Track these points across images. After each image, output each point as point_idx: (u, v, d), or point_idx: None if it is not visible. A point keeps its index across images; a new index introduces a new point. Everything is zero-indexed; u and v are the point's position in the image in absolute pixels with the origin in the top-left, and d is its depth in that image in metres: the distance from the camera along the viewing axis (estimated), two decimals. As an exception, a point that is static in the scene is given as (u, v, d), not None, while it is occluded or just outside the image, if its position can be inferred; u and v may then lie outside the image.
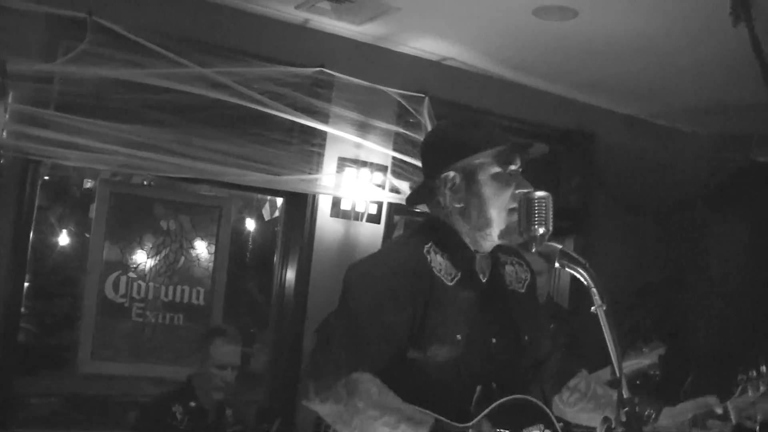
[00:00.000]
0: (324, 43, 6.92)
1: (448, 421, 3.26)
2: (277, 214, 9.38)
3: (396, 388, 3.25)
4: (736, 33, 5.40)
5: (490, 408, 3.34)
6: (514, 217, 3.40)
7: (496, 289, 3.61)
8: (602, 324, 3.15)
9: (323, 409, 3.29)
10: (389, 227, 7.37)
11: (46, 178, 6.27)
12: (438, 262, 3.46)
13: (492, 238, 3.48)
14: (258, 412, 6.45)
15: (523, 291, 3.71)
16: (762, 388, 4.14)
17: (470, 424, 3.29)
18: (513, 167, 3.47)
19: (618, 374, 3.11)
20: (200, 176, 6.43)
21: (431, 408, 3.25)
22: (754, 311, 8.30)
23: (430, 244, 3.47)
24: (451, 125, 3.78)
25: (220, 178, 6.54)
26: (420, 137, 6.95)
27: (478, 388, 3.38)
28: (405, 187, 7.17)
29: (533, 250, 3.34)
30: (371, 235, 7.21)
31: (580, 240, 7.70)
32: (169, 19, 6.26)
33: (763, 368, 4.24)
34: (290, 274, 7.07)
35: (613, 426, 3.10)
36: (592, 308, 3.16)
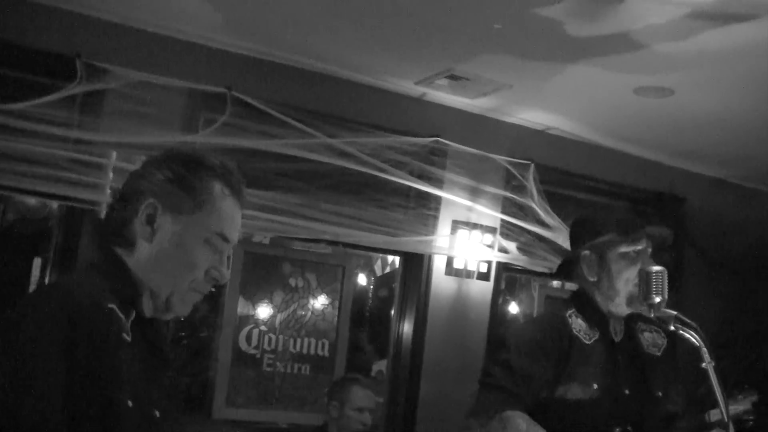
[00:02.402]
0: (439, 114, 6.78)
1: None
2: (388, 269, 9.24)
3: (545, 426, 3.43)
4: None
5: None
6: (636, 289, 3.61)
7: (629, 349, 3.80)
8: (711, 377, 3.30)
9: None
10: (497, 284, 7.15)
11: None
12: (578, 324, 3.75)
13: (621, 306, 3.69)
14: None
15: (659, 354, 3.86)
16: None
17: None
18: (639, 247, 3.70)
19: (726, 419, 3.33)
20: (328, 238, 6.31)
21: None
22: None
23: (573, 310, 3.78)
24: (590, 210, 4.19)
25: (346, 240, 6.38)
26: (526, 201, 6.89)
27: (617, 430, 3.62)
28: (512, 247, 6.97)
29: (651, 315, 3.57)
30: (481, 291, 7.00)
31: (672, 295, 7.44)
32: (299, 93, 6.15)
33: None
34: (407, 327, 6.87)
35: None
36: (703, 364, 3.32)
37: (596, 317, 3.74)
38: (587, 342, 3.70)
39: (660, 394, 3.77)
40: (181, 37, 5.77)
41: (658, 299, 3.47)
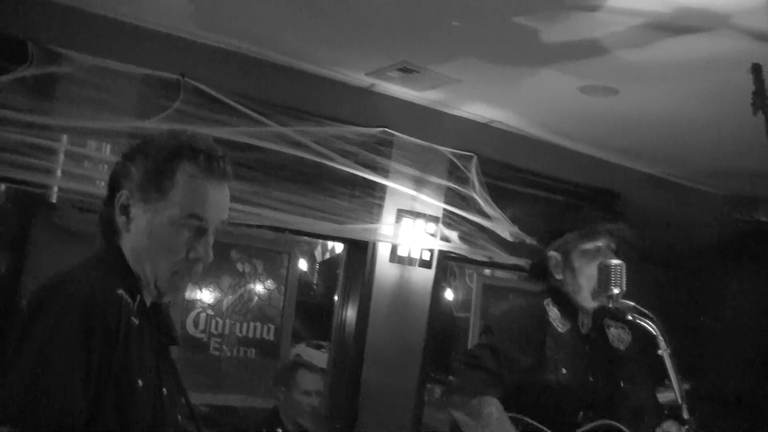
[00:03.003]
0: (387, 105, 6.75)
1: None
2: (327, 256, 9.23)
3: (520, 407, 3.70)
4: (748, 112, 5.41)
5: (585, 427, 3.75)
6: (596, 283, 3.80)
7: (597, 341, 4.01)
8: (667, 363, 3.49)
9: (460, 417, 3.65)
10: (439, 272, 7.16)
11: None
12: (554, 312, 3.94)
13: (588, 299, 3.90)
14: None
15: (623, 349, 4.05)
16: None
17: None
18: (599, 244, 3.92)
19: (680, 400, 3.53)
20: (276, 225, 6.24)
21: (544, 424, 3.71)
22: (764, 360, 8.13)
23: (549, 299, 3.98)
24: (555, 215, 4.34)
25: (294, 227, 6.37)
26: (469, 192, 6.95)
27: (581, 413, 3.77)
28: (454, 236, 7.03)
29: (610, 306, 3.72)
30: (423, 279, 7.02)
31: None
32: (251, 82, 6.08)
33: None
34: (350, 313, 6.87)
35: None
36: (659, 351, 3.49)
37: (568, 308, 3.93)
38: (561, 330, 3.89)
39: (624, 385, 3.95)
40: (136, 23, 5.66)
41: (616, 291, 3.65)
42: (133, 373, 2.28)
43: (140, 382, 2.29)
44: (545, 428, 3.72)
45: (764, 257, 8.23)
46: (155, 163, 2.46)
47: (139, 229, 2.43)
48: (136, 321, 2.34)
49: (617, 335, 4.07)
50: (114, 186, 2.51)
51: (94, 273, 2.37)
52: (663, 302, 7.70)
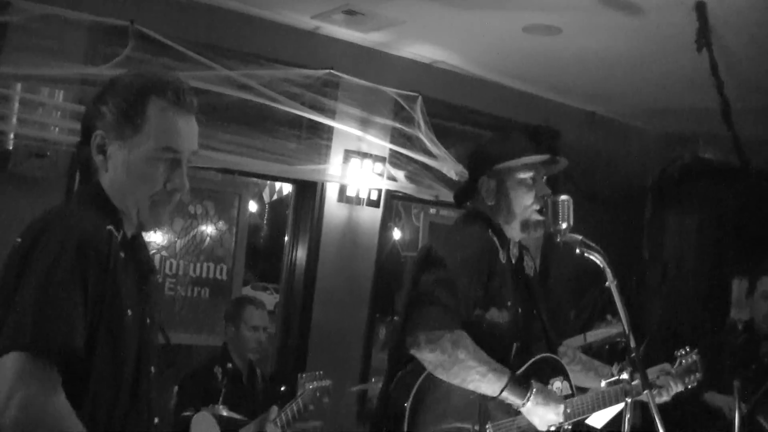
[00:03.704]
0: (332, 47, 6.92)
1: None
2: (275, 197, 9.41)
3: None
4: (691, 49, 5.62)
5: (530, 361, 3.87)
6: (535, 215, 3.86)
7: (521, 271, 4.08)
8: (614, 295, 3.53)
9: (429, 357, 3.56)
10: (386, 212, 7.41)
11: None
12: (496, 244, 3.89)
13: (516, 230, 3.94)
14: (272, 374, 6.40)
15: (533, 276, 4.17)
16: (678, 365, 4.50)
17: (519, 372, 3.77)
18: (535, 173, 3.92)
19: (627, 329, 3.49)
20: (225, 166, 6.42)
21: None
22: (698, 294, 8.46)
23: (490, 231, 3.90)
24: (489, 138, 4.31)
25: (242, 168, 6.57)
26: (414, 132, 7.11)
27: (515, 345, 3.87)
28: (401, 175, 7.26)
29: (558, 240, 3.76)
30: (371, 218, 7.29)
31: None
32: (198, 27, 6.22)
33: (693, 354, 4.56)
34: (300, 253, 7.09)
35: (622, 368, 3.60)
36: (606, 283, 3.55)
37: (503, 239, 3.94)
38: (503, 261, 3.91)
39: (540, 314, 4.09)
40: (81, -31, 5.77)
41: (564, 225, 3.72)
42: (122, 304, 2.47)
43: (129, 312, 2.50)
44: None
45: (702, 193, 8.51)
46: (126, 101, 2.57)
47: (117, 166, 2.56)
48: (122, 254, 2.52)
49: (527, 262, 4.17)
50: (88, 127, 2.63)
51: (84, 210, 2.53)
52: (603, 239, 8.05)
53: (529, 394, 3.67)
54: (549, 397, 3.74)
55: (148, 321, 2.64)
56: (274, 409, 3.69)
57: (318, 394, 4.34)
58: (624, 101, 8.08)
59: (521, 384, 3.68)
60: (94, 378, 2.40)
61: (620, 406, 3.89)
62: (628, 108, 8.31)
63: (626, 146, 8.47)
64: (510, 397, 3.67)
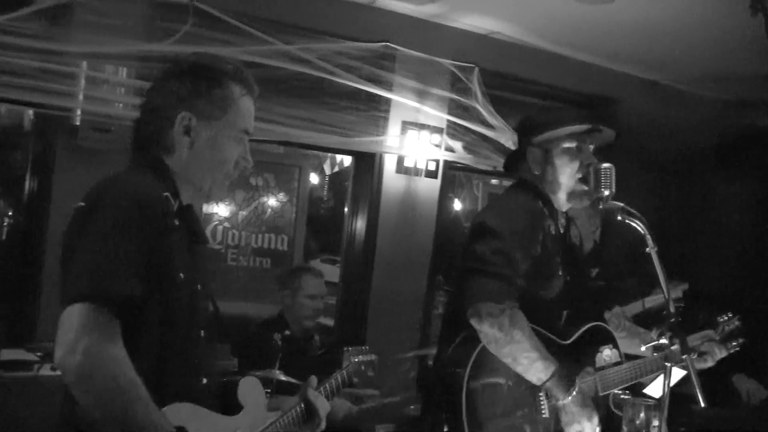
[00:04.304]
0: (388, 20, 6.99)
1: (556, 339, 3.92)
2: (336, 168, 9.55)
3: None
4: (746, 14, 5.58)
5: (581, 330, 4.05)
6: (580, 184, 3.97)
7: (569, 240, 4.18)
8: (654, 261, 3.56)
9: (487, 330, 3.69)
10: (445, 182, 7.50)
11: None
12: (546, 213, 4.00)
13: (562, 199, 4.05)
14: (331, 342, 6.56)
15: (578, 244, 4.28)
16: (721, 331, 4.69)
17: (568, 342, 3.96)
18: (581, 143, 4.02)
19: (666, 295, 3.53)
20: (284, 139, 6.57)
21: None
22: (755, 262, 8.48)
23: (540, 201, 4.02)
24: (538, 108, 4.25)
25: (301, 140, 6.69)
26: (471, 103, 7.20)
27: (565, 313, 4.05)
28: (458, 146, 7.36)
29: (600, 207, 3.86)
30: (429, 189, 7.40)
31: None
32: (256, 2, 6.37)
33: (735, 320, 4.70)
34: (360, 223, 7.26)
35: (661, 333, 3.65)
36: (647, 249, 3.59)
37: (551, 209, 4.06)
38: (552, 232, 4.03)
39: (585, 279, 4.26)
40: (143, -51, 5.88)
41: (606, 192, 3.80)
42: (175, 265, 2.68)
43: (181, 275, 2.70)
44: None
45: (759, 160, 8.52)
46: (213, 86, 2.86)
47: (203, 145, 2.84)
48: (176, 222, 2.74)
49: (574, 231, 4.28)
50: (167, 105, 2.85)
51: (142, 176, 2.76)
52: (657, 206, 8.09)
53: (571, 391, 3.77)
54: (587, 404, 3.82)
55: (199, 287, 2.83)
56: (313, 378, 3.87)
57: (363, 368, 4.50)
58: (681, 68, 8.02)
59: (566, 380, 3.78)
60: (146, 332, 2.60)
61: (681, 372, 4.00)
62: (685, 75, 8.23)
63: (685, 114, 8.38)
64: (553, 389, 3.77)
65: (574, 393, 3.76)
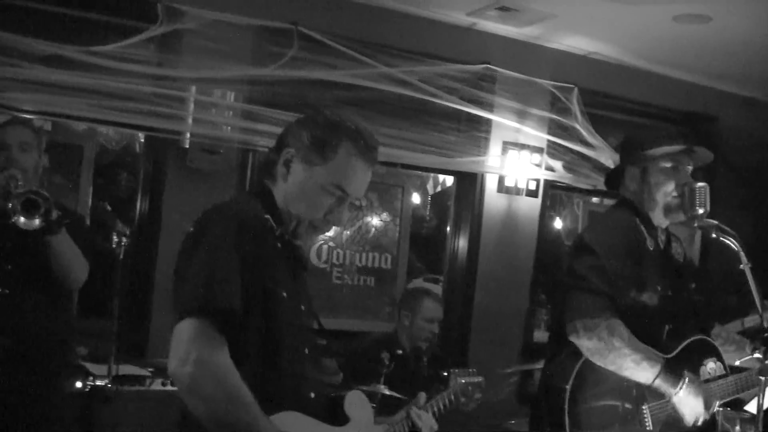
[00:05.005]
0: (488, 43, 6.99)
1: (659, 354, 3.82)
2: (439, 188, 9.50)
3: None
4: None
5: (684, 343, 3.97)
6: (675, 201, 3.94)
7: (670, 256, 4.14)
8: (748, 277, 3.58)
9: (587, 344, 3.72)
10: (545, 201, 7.47)
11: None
12: (643, 231, 3.99)
13: (660, 216, 4.03)
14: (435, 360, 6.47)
15: (681, 261, 4.23)
16: None
17: (670, 356, 3.87)
18: (678, 164, 3.99)
19: (760, 310, 3.58)
20: (387, 160, 6.48)
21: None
22: None
23: (638, 219, 4.01)
24: (638, 127, 4.35)
25: (404, 161, 6.65)
26: (570, 122, 7.14)
27: (666, 327, 3.98)
28: (558, 165, 7.27)
29: (695, 225, 3.90)
30: (530, 208, 7.32)
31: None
32: (359, 27, 6.40)
33: None
34: (462, 242, 7.20)
35: (758, 346, 3.57)
36: (741, 266, 3.59)
37: (650, 226, 4.03)
38: (650, 249, 3.99)
39: (689, 295, 4.15)
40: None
41: (701, 211, 3.80)
42: (278, 286, 2.75)
43: (284, 294, 2.76)
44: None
45: None
46: (323, 134, 2.88)
47: (295, 183, 2.86)
48: (278, 245, 2.81)
49: (676, 248, 4.22)
50: (282, 141, 2.95)
51: (246, 201, 2.88)
52: (757, 223, 7.85)
53: (681, 384, 3.76)
54: (700, 390, 3.81)
55: (303, 308, 2.89)
56: (422, 395, 3.85)
57: (470, 389, 4.48)
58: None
59: (674, 373, 3.77)
60: (252, 346, 2.68)
61: None
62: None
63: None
64: (663, 386, 3.76)
65: (686, 384, 3.76)
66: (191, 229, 2.74)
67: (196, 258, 2.64)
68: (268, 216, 2.80)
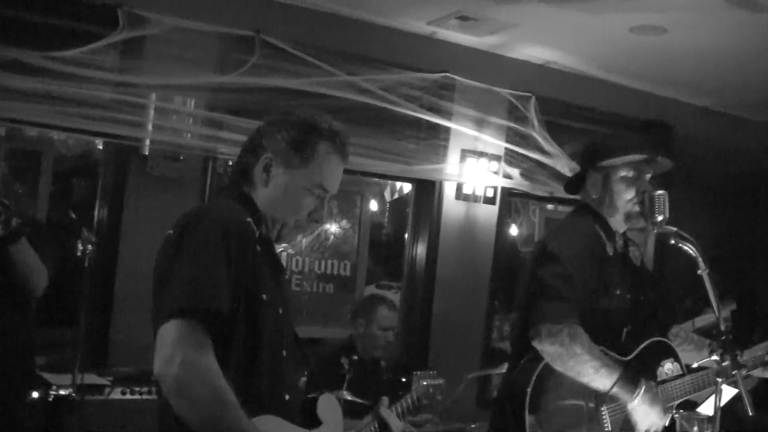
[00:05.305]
0: (447, 51, 6.99)
1: (615, 356, 3.87)
2: (396, 195, 9.48)
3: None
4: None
5: (641, 346, 4.02)
6: (635, 208, 3.97)
7: (628, 260, 4.18)
8: (706, 282, 3.60)
9: (549, 348, 3.73)
10: (502, 208, 7.46)
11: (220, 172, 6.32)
12: (603, 236, 4.03)
13: (620, 222, 4.08)
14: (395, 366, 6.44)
15: (638, 265, 4.25)
16: None
17: (628, 358, 3.95)
18: (639, 171, 4.02)
19: (717, 314, 3.55)
20: (349, 167, 6.31)
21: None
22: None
23: (597, 224, 4.05)
24: (600, 135, 4.53)
25: (363, 169, 6.61)
26: (528, 131, 7.15)
27: (625, 330, 4.01)
28: (516, 173, 7.28)
29: (655, 232, 3.94)
30: (488, 215, 7.34)
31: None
32: (320, 35, 6.37)
33: None
34: (420, 248, 7.18)
35: (715, 349, 3.59)
36: (699, 271, 3.62)
37: (609, 231, 4.07)
38: (610, 253, 4.03)
39: (643, 297, 4.17)
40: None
41: (660, 218, 3.83)
42: (259, 288, 2.74)
43: (265, 297, 2.76)
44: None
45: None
46: (300, 136, 2.89)
47: (277, 186, 2.88)
48: (259, 248, 2.79)
49: (633, 252, 4.27)
50: (257, 146, 2.94)
51: (227, 204, 2.85)
52: (717, 229, 7.94)
53: (638, 392, 3.80)
54: (656, 400, 3.86)
55: (281, 310, 2.87)
56: (385, 399, 3.84)
57: (431, 391, 4.49)
58: (735, 95, 7.95)
59: (632, 381, 3.81)
60: (235, 348, 2.68)
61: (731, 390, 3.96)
62: (739, 102, 8.17)
63: (739, 139, 8.32)
64: (620, 392, 3.79)
65: (642, 392, 3.80)
66: (171, 231, 2.72)
67: (180, 260, 2.62)
68: (249, 219, 2.78)
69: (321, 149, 2.92)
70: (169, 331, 2.53)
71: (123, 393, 5.18)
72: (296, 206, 2.93)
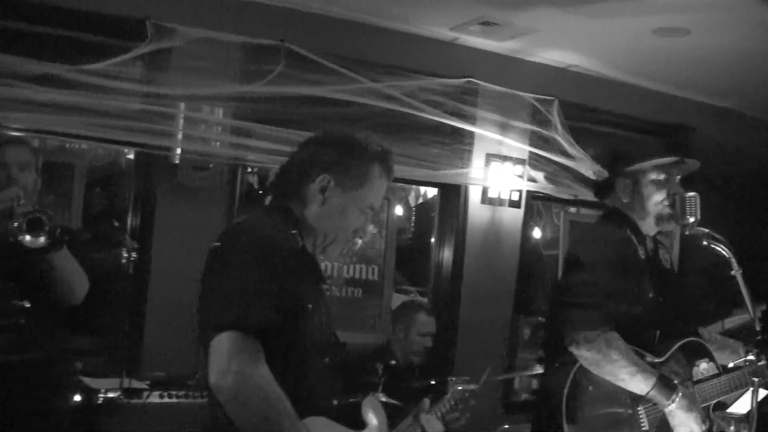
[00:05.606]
0: (470, 57, 7.00)
1: (650, 357, 3.93)
2: (420, 200, 9.47)
3: None
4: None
5: (676, 346, 4.04)
6: (667, 210, 4.03)
7: (659, 263, 4.21)
8: (739, 282, 3.72)
9: (586, 354, 3.78)
10: (527, 211, 7.47)
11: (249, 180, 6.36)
12: (634, 241, 4.04)
13: (651, 225, 4.12)
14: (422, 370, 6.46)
15: (668, 266, 4.33)
16: None
17: (663, 358, 3.99)
18: (669, 175, 4.08)
19: (752, 314, 3.72)
20: None
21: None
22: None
23: (627, 228, 4.08)
24: (621, 141, 4.46)
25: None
26: (551, 134, 7.15)
27: (658, 332, 4.03)
28: (540, 176, 7.28)
29: (687, 233, 3.98)
30: (513, 218, 7.35)
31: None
32: (345, 43, 6.41)
33: None
34: (447, 253, 7.20)
35: (748, 350, 3.84)
36: (732, 272, 3.75)
37: (640, 235, 4.09)
38: (642, 257, 4.05)
39: (676, 299, 4.18)
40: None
41: (692, 219, 3.91)
42: (303, 299, 2.85)
43: (309, 306, 2.86)
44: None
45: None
46: (357, 161, 3.05)
47: (333, 207, 3.01)
48: (303, 259, 2.92)
49: (663, 255, 4.30)
50: (311, 164, 3.06)
51: (271, 218, 3.01)
52: (737, 230, 7.87)
53: (674, 397, 3.80)
54: (693, 404, 3.86)
55: (324, 319, 3.00)
56: (427, 401, 3.92)
57: (466, 395, 4.57)
58: (758, 96, 7.86)
59: (668, 386, 3.82)
60: (283, 356, 2.76)
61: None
62: (762, 103, 8.07)
63: (761, 141, 8.22)
64: (656, 397, 3.81)
65: (679, 398, 3.80)
66: (217, 244, 2.83)
67: (228, 272, 2.75)
68: (295, 231, 2.91)
69: (374, 172, 3.07)
70: (223, 342, 2.61)
71: (161, 396, 5.22)
72: (348, 225, 3.07)
